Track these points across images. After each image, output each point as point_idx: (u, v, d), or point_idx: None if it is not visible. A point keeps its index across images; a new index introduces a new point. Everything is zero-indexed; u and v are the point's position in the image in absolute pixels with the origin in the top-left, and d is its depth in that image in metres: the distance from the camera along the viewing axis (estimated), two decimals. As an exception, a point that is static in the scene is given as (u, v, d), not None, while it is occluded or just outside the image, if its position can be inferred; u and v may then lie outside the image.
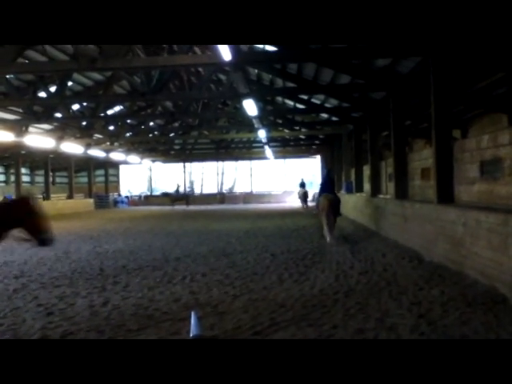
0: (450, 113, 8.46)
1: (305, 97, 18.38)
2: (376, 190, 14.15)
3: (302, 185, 24.46)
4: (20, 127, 19.35)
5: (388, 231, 10.68)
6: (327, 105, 18.31)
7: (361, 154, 17.40)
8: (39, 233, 4.44)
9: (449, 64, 8.25)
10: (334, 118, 20.25)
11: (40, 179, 33.22)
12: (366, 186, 17.04)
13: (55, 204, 27.11)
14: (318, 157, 34.24)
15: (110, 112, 21.20)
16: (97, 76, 18.13)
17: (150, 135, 26.22)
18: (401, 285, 5.78)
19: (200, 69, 16.94)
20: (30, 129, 20.96)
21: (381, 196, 14.01)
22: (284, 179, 36.70)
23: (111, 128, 23.02)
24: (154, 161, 36.54)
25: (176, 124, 25.58)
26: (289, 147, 32.62)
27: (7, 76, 13.60)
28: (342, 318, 4.46)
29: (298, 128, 25.38)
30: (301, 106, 19.65)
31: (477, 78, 11.06)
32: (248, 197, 35.46)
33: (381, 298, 5.16)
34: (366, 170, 17.05)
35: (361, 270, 6.87)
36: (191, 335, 4.00)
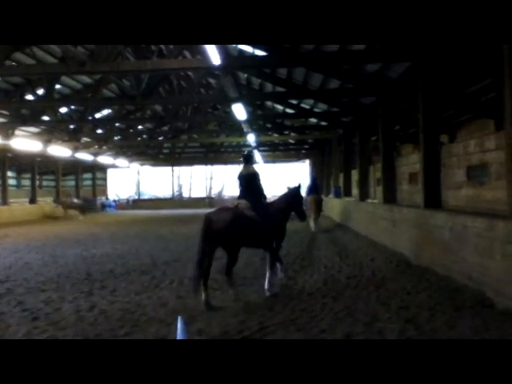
0: (438, 118, 8.54)
1: (294, 101, 18.45)
2: (364, 194, 14.22)
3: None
4: (6, 130, 19.11)
5: (377, 235, 10.72)
6: (317, 109, 18.38)
7: (350, 158, 17.48)
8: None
9: (437, 69, 8.34)
10: (323, 123, 20.34)
11: (27, 183, 32.86)
12: (355, 191, 17.12)
13: (42, 208, 26.77)
14: (307, 161, 34.35)
15: (98, 115, 21.06)
16: (85, 79, 18.01)
17: (139, 139, 26.08)
18: (389, 289, 5.80)
19: (190, 73, 16.91)
20: (17, 132, 20.71)
21: (369, 200, 14.08)
22: (273, 183, 36.71)
23: (99, 131, 22.88)
24: (142, 164, 36.36)
25: (165, 128, 25.49)
26: (278, 152, 32.69)
27: (-6, 78, 13.45)
28: (331, 323, 4.46)
29: (287, 132, 25.44)
30: (290, 111, 19.71)
31: (465, 84, 11.20)
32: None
33: (369, 303, 5.16)
34: (355, 175, 17.14)
35: (349, 274, 6.88)
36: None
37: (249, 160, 6.14)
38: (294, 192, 6.67)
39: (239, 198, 5.98)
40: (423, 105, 8.28)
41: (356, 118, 15.17)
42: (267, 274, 5.83)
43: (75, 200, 25.84)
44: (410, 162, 19.46)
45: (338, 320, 4.54)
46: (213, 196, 31.37)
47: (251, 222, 5.53)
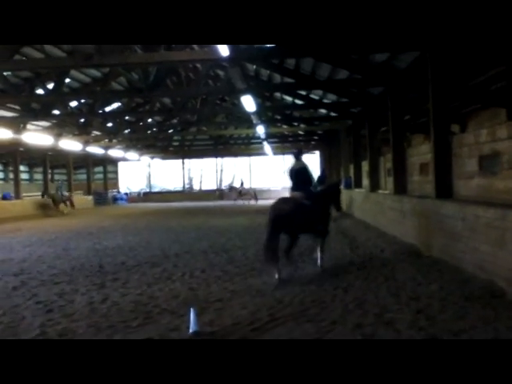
0: (449, 107, 8.46)
1: (303, 92, 18.35)
2: (375, 185, 14.15)
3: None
4: (18, 124, 19.30)
5: (387, 226, 10.69)
6: (325, 100, 18.28)
7: (359, 149, 17.38)
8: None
9: (447, 58, 8.24)
10: (332, 114, 20.22)
11: (39, 176, 33.17)
12: (365, 182, 17.04)
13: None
14: (317, 152, 34.21)
15: (107, 109, 21.14)
16: (94, 73, 18.07)
17: (149, 132, 26.18)
18: (399, 280, 5.79)
19: (198, 65, 16.88)
20: (28, 126, 20.91)
21: (380, 191, 14.02)
22: (283, 175, 36.71)
23: (109, 125, 23.00)
24: (152, 157, 36.49)
25: (174, 120, 25.56)
26: (287, 143, 32.60)
27: (4, 73, 13.54)
28: (341, 314, 4.47)
29: (296, 124, 25.35)
30: (299, 102, 19.61)
31: (476, 72, 11.04)
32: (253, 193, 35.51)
33: (379, 294, 5.17)
34: (365, 166, 17.05)
35: (359, 265, 6.88)
36: (190, 331, 4.03)
37: (298, 156, 6.95)
38: (335, 185, 7.67)
39: (293, 189, 6.75)
40: (433, 94, 8.19)
41: (365, 109, 15.06)
42: (319, 255, 6.71)
43: (65, 193, 24.76)
44: (421, 152, 19.29)
45: (348, 311, 4.55)
46: (223, 188, 31.39)
47: (308, 209, 6.30)
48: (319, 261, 6.69)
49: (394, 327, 4.02)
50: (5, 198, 24.98)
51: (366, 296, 5.08)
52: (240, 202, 28.57)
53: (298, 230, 6.39)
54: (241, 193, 29.75)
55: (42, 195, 25.20)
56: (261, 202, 28.88)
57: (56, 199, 23.01)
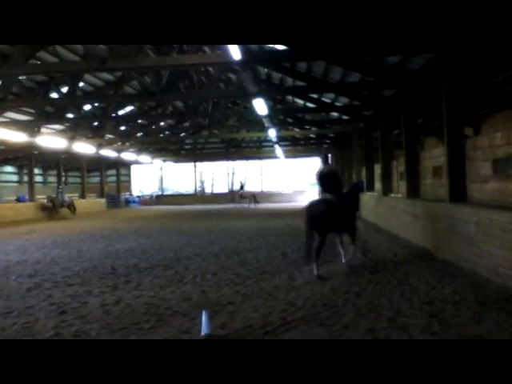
0: (462, 110, 8.37)
1: (315, 95, 18.32)
2: (387, 188, 14.06)
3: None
4: (32, 128, 19.55)
5: (399, 230, 10.61)
6: (337, 103, 18.22)
7: (371, 152, 17.29)
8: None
9: (460, 60, 8.16)
10: (344, 117, 20.15)
11: (53, 179, 33.54)
12: (378, 185, 16.94)
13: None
14: (329, 156, 34.12)
15: (120, 112, 21.33)
16: (107, 76, 18.25)
17: (161, 135, 26.33)
18: (412, 284, 5.74)
19: (210, 68, 16.95)
20: (42, 129, 21.16)
21: (392, 195, 13.92)
22: (294, 178, 36.66)
23: (122, 128, 23.17)
24: (164, 160, 36.69)
25: (186, 124, 25.66)
26: (299, 146, 32.55)
27: (19, 77, 13.74)
28: (353, 318, 4.44)
29: (308, 127, 25.29)
30: (311, 105, 19.58)
31: (490, 74, 10.93)
32: (258, 196, 35.45)
33: (392, 298, 5.13)
34: (377, 169, 16.95)
35: (372, 269, 6.83)
36: (202, 334, 4.04)
37: (326, 160, 7.57)
38: (357, 186, 8.05)
39: (323, 191, 7.16)
40: (446, 97, 8.12)
41: (377, 112, 14.99)
42: (351, 249, 7.19)
43: (66, 198, 23.91)
44: (434, 155, 19.13)
45: (360, 315, 4.52)
46: (235, 191, 31.38)
47: (339, 210, 6.72)
48: (345, 258, 7.12)
49: (407, 332, 3.98)
50: (19, 200, 25.32)
51: (379, 300, 5.05)
52: (240, 206, 28.43)
53: (330, 229, 6.79)
54: (241, 196, 29.68)
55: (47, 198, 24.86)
56: (271, 205, 28.86)
57: (55, 203, 22.84)
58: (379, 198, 14.02)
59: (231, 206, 29.21)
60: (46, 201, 23.27)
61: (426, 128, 17.66)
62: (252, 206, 28.27)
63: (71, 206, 23.61)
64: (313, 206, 6.77)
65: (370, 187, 17.03)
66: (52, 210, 22.76)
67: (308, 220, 6.58)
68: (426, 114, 14.94)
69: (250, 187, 35.93)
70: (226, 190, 37.78)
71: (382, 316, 4.45)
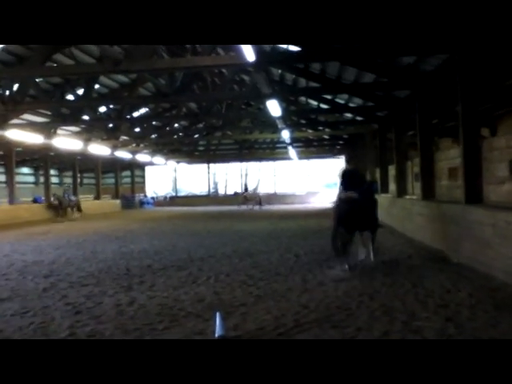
0: (478, 110, 8.27)
1: (328, 96, 18.27)
2: (402, 190, 13.95)
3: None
4: (49, 129, 19.82)
5: (414, 232, 10.50)
6: (351, 104, 18.14)
7: (385, 153, 17.17)
8: None
9: (476, 60, 8.07)
10: (358, 118, 20.06)
11: (68, 180, 33.92)
12: (392, 187, 16.81)
13: (83, 205, 27.66)
14: (342, 157, 33.93)
15: (135, 114, 21.52)
16: (122, 78, 18.44)
17: (175, 136, 26.50)
18: (427, 287, 5.68)
19: (223, 70, 17.01)
20: (58, 131, 21.45)
21: (407, 196, 13.80)
22: (307, 180, 36.55)
23: (137, 130, 23.37)
24: (178, 162, 36.88)
25: (200, 125, 25.78)
26: (312, 147, 32.45)
27: (36, 79, 13.95)
28: (367, 321, 4.41)
29: (321, 128, 25.22)
30: (324, 106, 19.53)
31: (506, 74, 10.77)
32: (271, 197, 35.42)
33: (406, 301, 5.08)
34: (392, 170, 16.81)
35: (386, 271, 6.77)
36: (216, 335, 4.04)
37: (350, 160, 8.22)
38: (371, 184, 8.23)
39: (346, 189, 7.29)
40: (462, 97, 8.03)
41: (391, 112, 14.89)
42: (371, 247, 7.46)
43: (73, 198, 23.40)
44: (449, 156, 18.90)
45: (374, 318, 4.49)
46: (249, 192, 31.31)
47: (363, 207, 6.97)
48: (372, 254, 7.40)
49: (421, 335, 3.94)
50: (36, 201, 25.67)
51: (393, 303, 5.00)
52: (244, 208, 28.35)
53: (357, 226, 7.08)
54: (246, 198, 29.60)
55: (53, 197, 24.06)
56: (284, 207, 28.81)
57: (63, 202, 22.26)
58: (393, 199, 13.91)
59: (235, 207, 29.05)
60: (52, 199, 22.71)
61: (440, 129, 17.46)
62: (256, 208, 28.17)
63: (77, 206, 23.30)
64: (341, 204, 7.04)
65: (384, 189, 16.90)
66: (58, 209, 22.26)
67: (338, 218, 6.92)
68: (440, 115, 14.78)
69: (262, 189, 35.94)
70: (239, 191, 37.83)
71: (396, 319, 4.41)
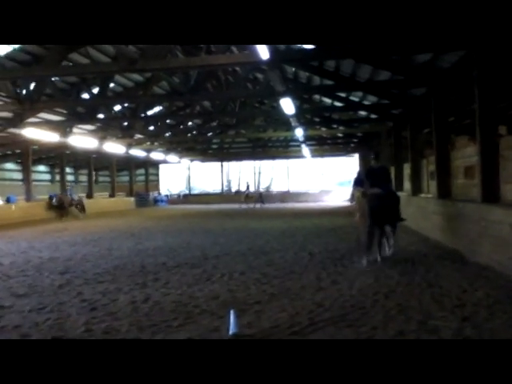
0: (496, 108, 8.14)
1: (343, 94, 18.16)
2: (417, 188, 13.81)
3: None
4: (64, 128, 20.05)
5: (429, 231, 10.40)
6: (366, 102, 18.01)
7: (400, 151, 17.01)
8: None
9: (494, 57, 7.93)
10: (372, 116, 19.89)
11: (83, 178, 34.32)
12: (407, 185, 16.66)
13: (98, 202, 27.99)
14: (356, 155, 33.72)
15: (149, 112, 21.65)
16: (137, 77, 18.54)
17: (189, 135, 26.59)
18: (443, 286, 5.62)
19: (237, 68, 17.02)
20: (74, 129, 21.69)
21: (422, 195, 13.66)
22: (321, 178, 36.43)
23: (151, 128, 23.51)
24: (192, 160, 37.04)
25: (214, 123, 25.85)
26: (326, 146, 32.31)
27: (52, 78, 14.11)
28: (382, 320, 4.38)
29: (335, 126, 25.09)
30: (338, 104, 19.41)
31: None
32: (285, 196, 35.37)
33: (422, 300, 5.03)
34: (407, 169, 16.67)
35: (401, 270, 6.71)
36: (230, 333, 4.05)
37: (377, 157, 8.36)
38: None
39: (372, 185, 7.49)
40: (479, 95, 7.91)
41: (406, 110, 14.74)
42: (392, 242, 7.80)
43: (75, 197, 22.54)
44: (466, 154, 18.63)
45: (389, 317, 4.45)
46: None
47: (390, 203, 7.38)
48: (391, 249, 7.70)
49: (438, 335, 3.90)
50: (51, 198, 25.89)
51: (409, 302, 4.96)
52: (246, 206, 28.21)
53: (387, 221, 7.42)
54: (248, 196, 29.50)
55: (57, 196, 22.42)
56: (298, 205, 28.74)
57: (65, 201, 21.30)
58: (408, 198, 13.77)
59: (236, 206, 28.97)
60: (53, 200, 21.39)
61: (457, 127, 17.26)
62: (258, 206, 28.10)
63: (80, 205, 22.35)
64: (371, 200, 7.26)
65: (398, 187, 16.74)
66: (60, 208, 21.21)
67: (370, 214, 7.19)
68: (457, 113, 14.60)
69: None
70: (252, 190, 37.82)
71: (412, 318, 4.37)
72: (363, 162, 29.06)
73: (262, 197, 29.23)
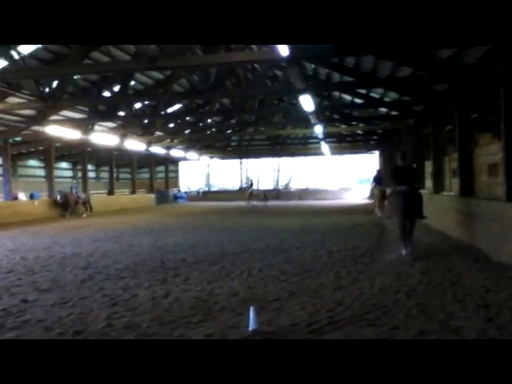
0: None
1: (363, 91, 17.98)
2: (439, 186, 13.60)
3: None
4: (86, 125, 20.34)
5: (452, 230, 10.22)
6: (386, 99, 17.80)
7: (422, 149, 16.76)
8: None
9: (521, 52, 7.74)
10: (393, 113, 19.66)
11: (105, 175, 34.76)
12: (428, 183, 16.42)
13: (119, 199, 28.36)
14: (377, 152, 33.35)
15: (169, 110, 21.81)
16: (157, 75, 18.70)
17: (208, 132, 26.71)
18: (466, 286, 5.52)
19: (256, 65, 17.00)
20: (96, 127, 21.99)
21: (444, 193, 13.44)
22: (340, 176, 36.17)
23: (171, 126, 23.69)
24: (211, 157, 37.20)
25: (233, 121, 25.90)
26: (345, 143, 32.06)
27: (74, 77, 14.32)
28: (404, 319, 4.32)
29: (355, 123, 24.88)
30: (358, 101, 19.23)
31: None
32: (303, 193, 35.24)
33: (444, 300, 4.95)
34: (428, 166, 16.42)
35: (423, 269, 6.62)
36: (249, 329, 4.06)
37: (404, 157, 8.74)
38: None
39: (400, 184, 7.96)
40: (505, 91, 7.71)
41: (428, 107, 14.50)
42: (412, 238, 8.02)
43: (82, 195, 21.33)
44: (489, 152, 18.24)
45: (411, 316, 4.39)
46: (280, 188, 31.07)
47: (416, 199, 7.89)
48: (407, 248, 7.78)
49: (461, 335, 3.83)
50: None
51: (430, 301, 4.88)
52: (250, 204, 28.22)
53: (411, 215, 7.84)
54: (251, 194, 29.41)
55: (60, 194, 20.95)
56: (317, 203, 28.58)
57: (70, 199, 20.17)
58: (430, 196, 13.56)
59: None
60: (58, 198, 20.27)
61: (480, 123, 16.92)
62: (262, 204, 28.04)
63: (87, 204, 21.35)
64: (402, 197, 7.70)
65: (420, 185, 16.51)
66: (66, 207, 20.17)
67: (402, 209, 7.67)
68: (480, 109, 14.31)
69: (295, 184, 35.78)
70: (270, 187, 37.79)
71: (434, 318, 4.30)
72: (383, 159, 28.75)
73: (265, 195, 29.26)
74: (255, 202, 28.46)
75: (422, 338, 3.79)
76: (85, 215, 20.55)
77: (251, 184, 30.61)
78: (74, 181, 21.79)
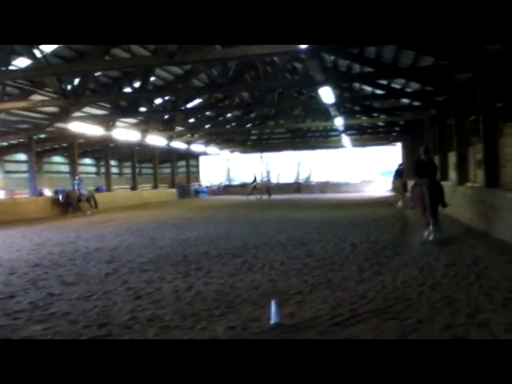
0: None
1: (384, 82, 17.71)
2: (463, 177, 13.34)
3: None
4: (108, 122, 20.61)
5: (477, 222, 10.02)
6: (408, 89, 17.50)
7: (445, 140, 16.47)
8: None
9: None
10: (415, 103, 19.32)
11: (127, 170, 35.21)
12: (452, 175, 16.13)
13: (141, 194, 28.73)
14: (399, 144, 32.87)
15: (189, 105, 21.91)
16: (177, 70, 18.79)
17: (228, 126, 26.76)
18: (492, 279, 5.40)
19: (275, 58, 16.91)
20: (117, 123, 22.26)
21: (468, 184, 13.18)
22: (362, 168, 35.80)
23: (191, 120, 23.80)
24: (232, 151, 37.28)
25: (252, 114, 25.88)
26: (367, 135, 31.70)
27: (95, 73, 14.50)
28: (428, 312, 4.26)
29: (376, 115, 24.55)
30: (379, 92, 18.96)
31: None
32: (324, 186, 35.00)
33: (470, 293, 4.85)
34: (452, 157, 16.12)
35: (447, 262, 6.51)
36: (271, 322, 4.06)
37: (427, 151, 8.98)
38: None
39: (422, 176, 8.64)
40: (532, 78, 7.51)
41: (451, 97, 14.20)
42: (434, 227, 8.35)
43: (84, 191, 19.99)
44: (515, 141, 17.81)
45: (436, 310, 4.33)
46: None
47: (438, 189, 8.58)
48: (435, 233, 8.26)
49: (488, 329, 3.75)
50: (98, 190, 26.85)
51: (456, 294, 4.80)
52: (253, 197, 28.19)
53: (436, 201, 8.42)
54: (255, 188, 29.30)
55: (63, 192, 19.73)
56: (338, 196, 28.38)
57: (72, 196, 19.14)
58: (454, 187, 13.33)
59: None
60: (60, 197, 19.13)
61: (505, 113, 16.50)
62: (265, 197, 28.08)
63: (91, 200, 20.11)
64: (427, 187, 8.33)
65: (443, 176, 16.23)
66: (69, 204, 19.05)
67: (430, 197, 8.27)
68: (506, 98, 13.95)
69: (316, 177, 35.53)
70: (291, 181, 37.64)
71: (460, 311, 4.23)
72: (406, 151, 28.32)
73: (269, 189, 29.24)
74: (258, 196, 28.59)
75: (422, 339, 3.67)
76: (89, 212, 19.36)
77: (254, 179, 30.63)
78: (77, 176, 20.69)
